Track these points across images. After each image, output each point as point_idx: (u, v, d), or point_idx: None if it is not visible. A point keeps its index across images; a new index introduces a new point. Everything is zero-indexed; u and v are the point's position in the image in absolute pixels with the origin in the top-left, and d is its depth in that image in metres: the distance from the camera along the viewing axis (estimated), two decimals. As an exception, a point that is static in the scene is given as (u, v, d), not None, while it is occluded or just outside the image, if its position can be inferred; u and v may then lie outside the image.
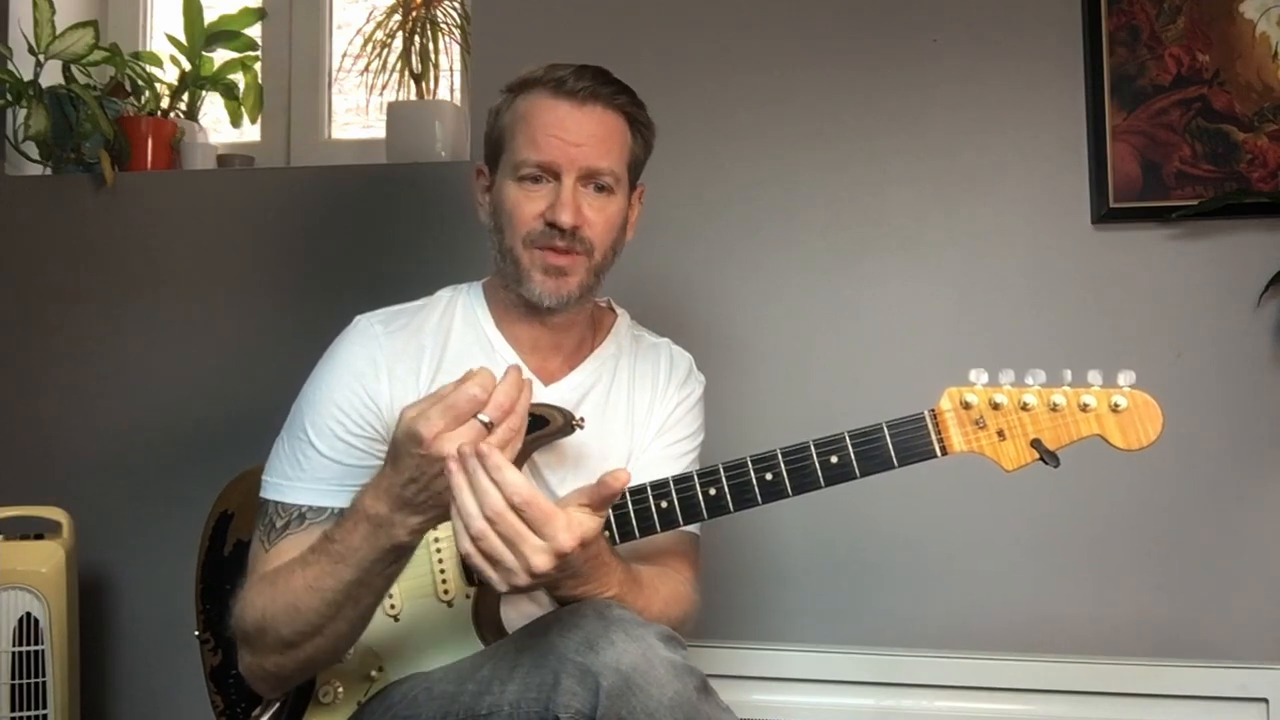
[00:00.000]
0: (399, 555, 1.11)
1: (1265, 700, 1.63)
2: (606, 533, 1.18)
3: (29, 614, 1.79)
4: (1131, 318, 1.78)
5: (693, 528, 1.38)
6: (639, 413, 1.40)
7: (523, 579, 0.97)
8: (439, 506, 1.06)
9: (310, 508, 1.24)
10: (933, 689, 1.73)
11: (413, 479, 1.04)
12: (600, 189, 1.29)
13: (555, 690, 1.01)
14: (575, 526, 0.98)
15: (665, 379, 1.43)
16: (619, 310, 1.49)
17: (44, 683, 1.79)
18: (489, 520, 0.96)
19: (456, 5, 2.25)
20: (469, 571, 1.24)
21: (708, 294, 1.91)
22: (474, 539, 0.97)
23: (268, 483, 1.27)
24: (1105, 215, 1.79)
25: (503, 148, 1.31)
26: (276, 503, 1.25)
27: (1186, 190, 1.76)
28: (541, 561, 0.96)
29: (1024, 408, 1.13)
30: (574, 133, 1.27)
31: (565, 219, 1.26)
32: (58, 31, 2.09)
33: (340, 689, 1.26)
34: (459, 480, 0.98)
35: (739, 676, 1.75)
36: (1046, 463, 1.12)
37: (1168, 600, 1.75)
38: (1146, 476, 1.76)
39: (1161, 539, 1.76)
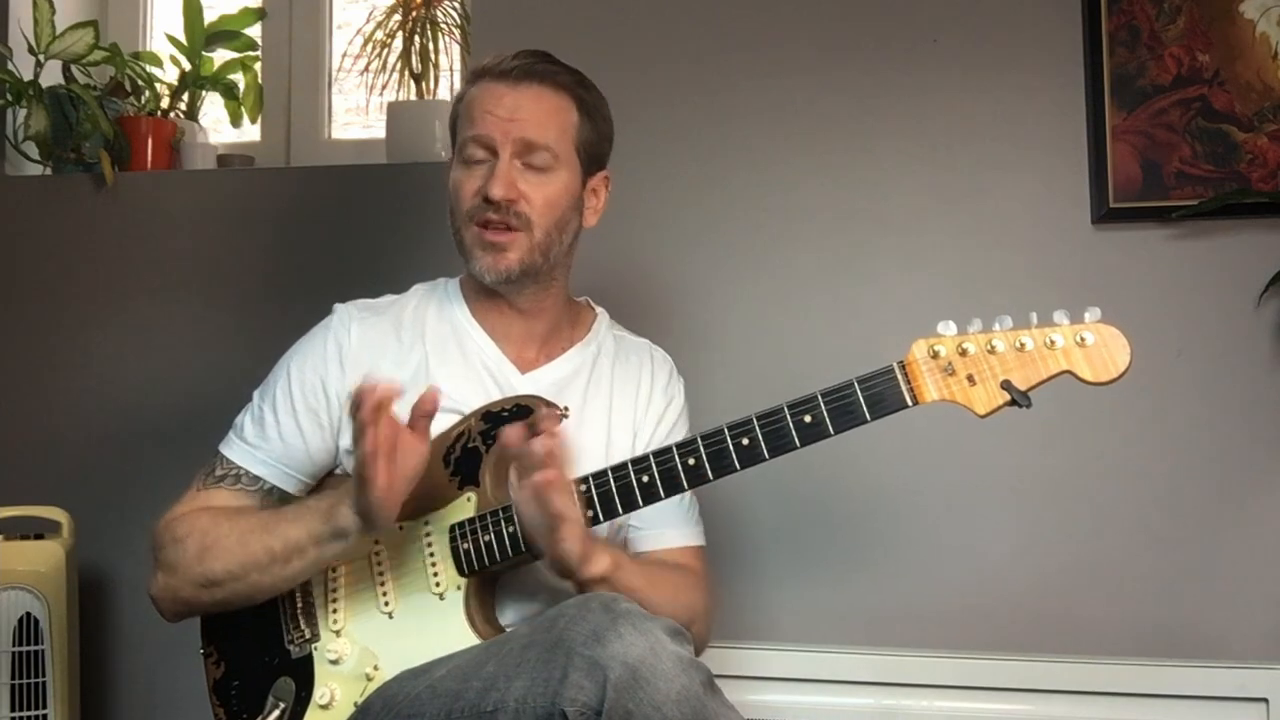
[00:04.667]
0: (337, 536, 1.21)
1: (1265, 700, 1.63)
2: (590, 512, 1.21)
3: (29, 614, 1.79)
4: (1131, 318, 1.75)
5: (697, 540, 1.43)
6: (619, 413, 1.42)
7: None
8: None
9: (247, 473, 1.34)
10: (933, 689, 1.72)
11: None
12: (538, 167, 1.32)
13: (563, 684, 1.01)
14: None
15: (649, 381, 1.46)
16: (598, 309, 1.51)
17: (44, 683, 1.79)
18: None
19: (456, 5, 2.25)
20: (460, 563, 1.26)
21: (706, 294, 1.91)
22: None
23: (228, 436, 1.37)
24: (1105, 215, 1.79)
25: (455, 133, 1.37)
26: (224, 456, 1.35)
27: (1186, 190, 1.76)
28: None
29: (992, 351, 1.14)
30: (508, 108, 1.31)
31: (496, 191, 1.29)
32: (58, 31, 2.09)
33: (337, 690, 1.26)
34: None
35: (736, 676, 1.75)
36: (1019, 404, 1.13)
37: (1168, 600, 1.75)
38: (1146, 475, 1.77)
39: (1162, 538, 1.76)
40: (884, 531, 1.83)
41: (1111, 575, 1.77)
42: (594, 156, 1.39)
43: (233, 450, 1.35)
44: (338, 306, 1.41)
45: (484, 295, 1.39)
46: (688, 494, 1.42)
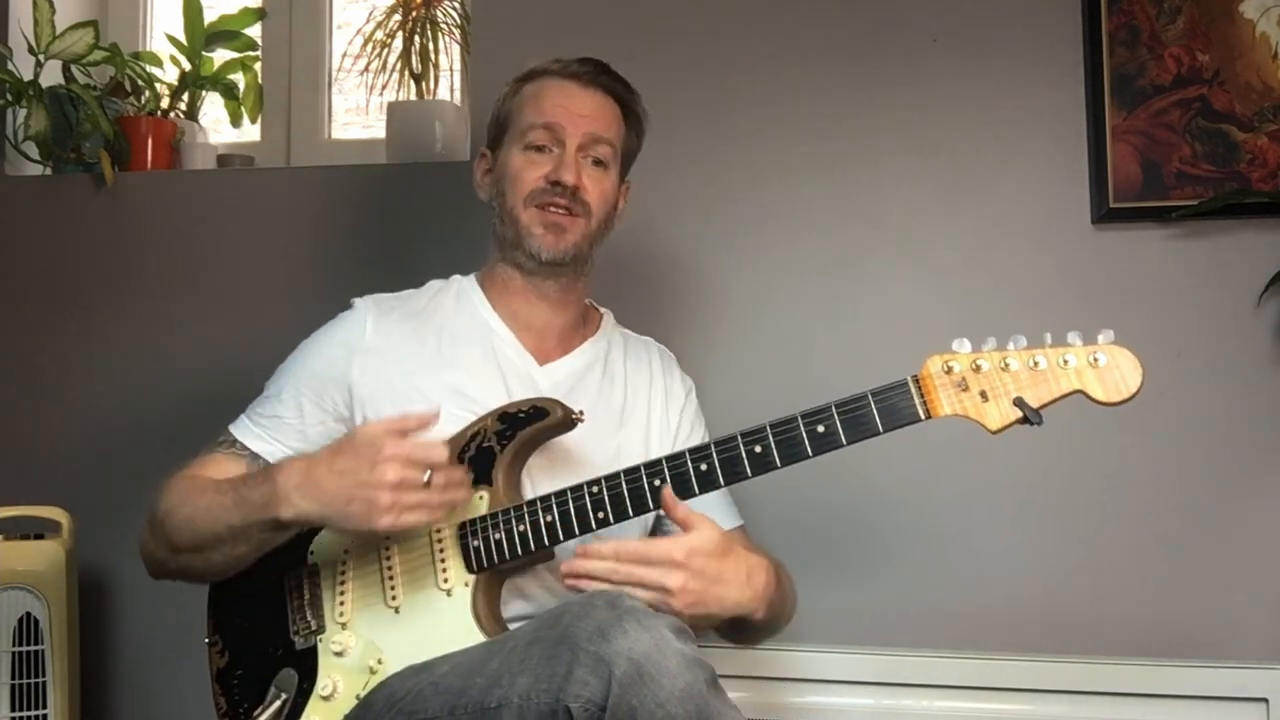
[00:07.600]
0: (276, 528, 1.22)
1: (1265, 700, 1.63)
2: (600, 514, 1.23)
3: (29, 614, 1.79)
4: (1131, 318, 1.77)
5: (739, 519, 1.49)
6: (632, 407, 1.45)
7: (666, 598, 1.15)
8: (337, 512, 1.17)
9: (242, 444, 1.38)
10: (933, 689, 1.73)
11: (341, 470, 1.16)
12: (598, 162, 1.40)
13: (567, 680, 1.02)
14: (680, 543, 1.16)
15: (662, 376, 1.51)
16: (603, 309, 1.56)
17: (44, 683, 1.79)
18: (626, 584, 1.14)
19: (456, 5, 2.25)
20: (469, 560, 1.26)
21: (707, 292, 1.91)
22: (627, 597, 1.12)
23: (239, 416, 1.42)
24: (1105, 215, 1.79)
25: (508, 126, 1.44)
26: (230, 431, 1.40)
27: (1186, 190, 1.76)
28: (673, 580, 1.14)
29: (1006, 369, 1.16)
30: (579, 105, 1.41)
31: (569, 177, 1.37)
32: (58, 31, 2.09)
33: (340, 682, 1.27)
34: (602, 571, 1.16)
35: (738, 676, 1.75)
36: (1030, 421, 1.15)
37: (1168, 600, 1.75)
38: (1147, 476, 1.77)
39: (1162, 538, 1.76)
40: (884, 531, 1.83)
41: (1112, 575, 1.77)
42: (628, 164, 1.50)
43: (238, 427, 1.40)
44: (356, 301, 1.45)
45: (506, 288, 1.44)
46: None
